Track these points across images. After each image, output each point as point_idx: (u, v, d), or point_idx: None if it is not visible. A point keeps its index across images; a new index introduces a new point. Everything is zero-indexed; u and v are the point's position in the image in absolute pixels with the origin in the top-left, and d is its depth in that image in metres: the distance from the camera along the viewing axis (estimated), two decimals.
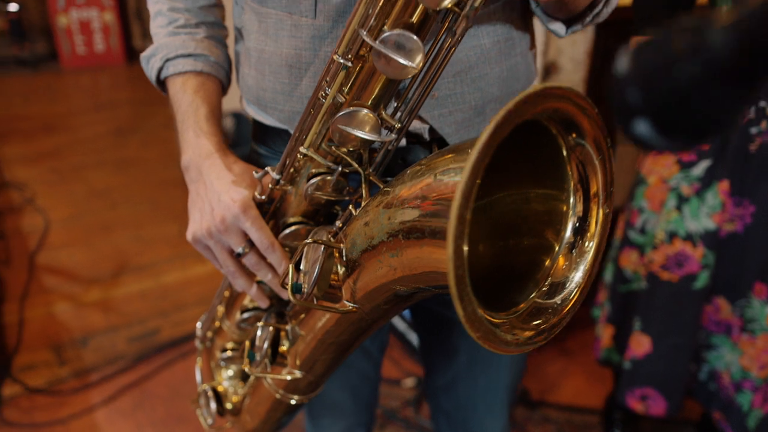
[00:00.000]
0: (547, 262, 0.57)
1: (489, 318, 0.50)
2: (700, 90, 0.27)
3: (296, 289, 0.61)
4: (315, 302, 0.63)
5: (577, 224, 0.56)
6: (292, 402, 0.79)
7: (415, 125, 0.73)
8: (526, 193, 0.59)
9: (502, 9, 0.73)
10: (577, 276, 0.55)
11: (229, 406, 0.89)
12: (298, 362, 0.73)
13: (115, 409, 1.88)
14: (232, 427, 0.93)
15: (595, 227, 0.55)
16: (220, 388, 0.90)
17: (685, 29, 0.28)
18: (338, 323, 0.66)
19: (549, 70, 2.05)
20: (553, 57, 2.02)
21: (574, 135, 0.52)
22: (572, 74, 2.00)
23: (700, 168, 1.28)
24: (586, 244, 0.55)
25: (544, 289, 0.56)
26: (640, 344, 1.40)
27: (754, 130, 1.21)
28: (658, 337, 1.37)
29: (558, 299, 0.55)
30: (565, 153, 0.54)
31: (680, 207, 1.31)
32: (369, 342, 0.95)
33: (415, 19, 0.55)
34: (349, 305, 0.61)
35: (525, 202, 0.59)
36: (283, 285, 0.67)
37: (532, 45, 0.82)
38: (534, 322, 0.54)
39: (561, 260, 0.56)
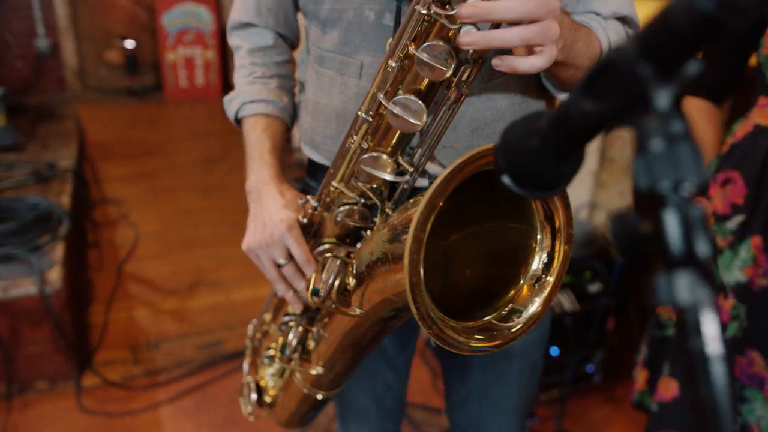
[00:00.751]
0: (512, 291, 0.67)
1: (444, 321, 0.61)
2: (536, 158, 0.40)
3: (315, 292, 0.74)
4: (332, 306, 0.76)
5: (546, 259, 0.66)
6: (318, 397, 0.91)
7: (436, 169, 0.85)
8: (502, 226, 0.70)
9: (517, 79, 0.85)
10: (534, 307, 0.65)
11: (267, 399, 1.03)
12: (321, 360, 0.85)
13: (178, 408, 2.06)
14: (267, 417, 1.06)
15: (557, 262, 0.65)
16: (261, 383, 1.04)
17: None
18: (354, 327, 0.78)
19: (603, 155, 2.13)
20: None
21: None
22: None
23: (734, 222, 1.32)
24: (548, 278, 0.66)
25: (503, 312, 0.66)
26: (668, 388, 1.42)
27: None
28: (684, 383, 1.40)
29: (510, 325, 0.65)
30: None
31: (714, 258, 1.35)
32: (395, 355, 1.07)
33: (422, 86, 0.68)
34: (358, 311, 0.74)
35: (501, 235, 0.70)
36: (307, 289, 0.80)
37: (550, 106, 0.93)
38: (479, 337, 0.64)
39: (525, 290, 0.66)
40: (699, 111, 1.44)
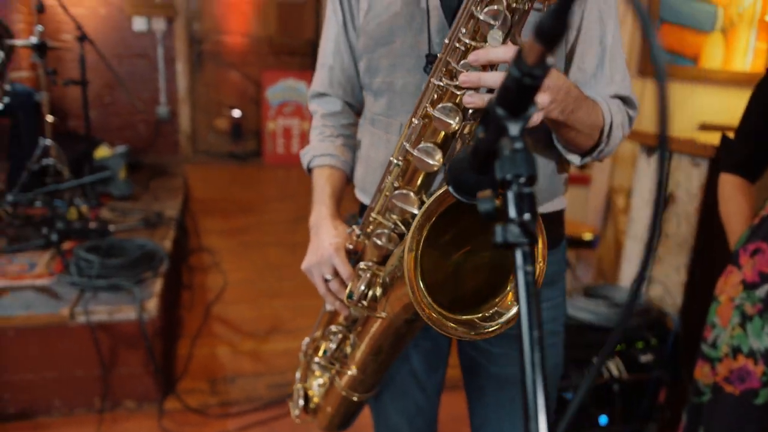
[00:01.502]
0: (498, 298, 0.83)
1: (433, 308, 0.77)
2: (465, 174, 0.59)
3: (350, 295, 0.93)
4: (362, 308, 0.94)
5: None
6: (354, 399, 1.08)
7: None
8: (479, 245, 0.87)
9: (530, 135, 1.02)
10: (512, 312, 0.81)
11: (312, 405, 1.20)
12: (355, 363, 1.02)
13: None
14: (311, 422, 1.23)
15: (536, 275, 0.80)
16: (309, 392, 1.21)
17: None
18: (381, 332, 0.95)
19: (667, 200, 2.21)
20: (672, 188, 2.18)
21: None
22: (687, 205, 2.15)
23: (763, 290, 1.38)
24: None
25: (486, 314, 0.81)
26: None
27: None
28: None
29: (490, 325, 0.80)
30: None
31: (744, 325, 1.41)
32: (425, 378, 1.22)
33: (439, 139, 0.87)
34: (383, 314, 0.91)
35: (493, 250, 0.86)
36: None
37: (561, 170, 1.10)
38: (462, 329, 0.80)
39: (509, 296, 0.82)
40: (733, 186, 1.54)
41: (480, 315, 0.81)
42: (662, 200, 0.49)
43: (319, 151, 1.19)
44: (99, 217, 3.34)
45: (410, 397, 1.23)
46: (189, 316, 3.01)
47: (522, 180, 0.50)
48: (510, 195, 0.49)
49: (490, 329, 0.80)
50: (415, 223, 0.79)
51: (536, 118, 0.85)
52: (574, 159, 1.04)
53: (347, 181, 1.22)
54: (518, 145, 0.51)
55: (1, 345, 2.19)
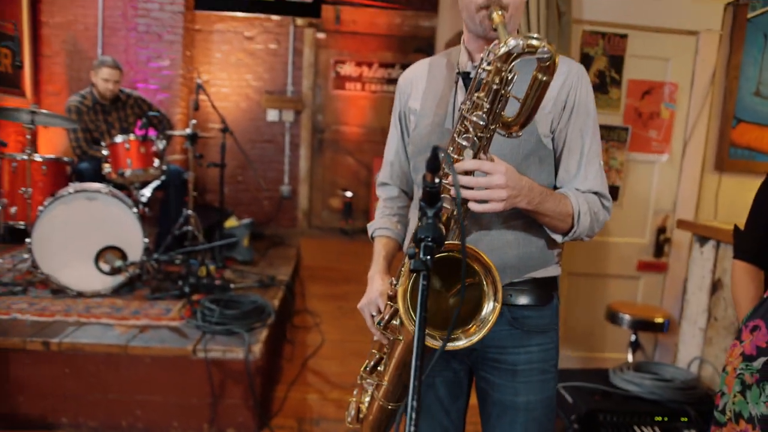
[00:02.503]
0: (473, 322, 1.16)
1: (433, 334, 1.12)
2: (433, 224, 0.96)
3: (379, 323, 1.30)
4: (386, 333, 1.30)
5: (493, 305, 1.15)
6: (388, 407, 1.42)
7: None
8: (470, 283, 1.21)
9: (523, 222, 1.37)
10: (479, 335, 1.14)
11: (361, 416, 1.55)
12: (386, 377, 1.38)
13: None
14: (359, 429, 1.57)
15: (494, 315, 1.14)
16: (361, 405, 1.57)
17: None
18: (402, 352, 1.31)
19: (716, 285, 2.37)
20: (719, 275, 2.34)
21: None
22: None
23: (759, 362, 1.57)
24: (491, 317, 1.14)
25: (465, 329, 1.15)
26: None
27: None
28: None
29: (464, 340, 1.14)
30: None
31: (744, 392, 1.59)
32: (449, 403, 1.53)
33: (444, 218, 1.25)
34: (400, 337, 1.27)
35: (470, 287, 1.20)
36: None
37: (552, 246, 1.42)
38: (458, 342, 1.13)
39: (474, 328, 1.15)
40: (742, 271, 1.75)
41: (462, 331, 1.16)
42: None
43: (379, 225, 1.60)
44: (223, 276, 3.95)
45: (437, 419, 1.55)
46: (288, 366, 3.46)
47: (429, 238, 0.87)
48: (421, 245, 0.87)
49: (459, 344, 1.14)
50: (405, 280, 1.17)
51: (494, 207, 1.20)
52: (557, 238, 1.38)
53: (399, 248, 1.62)
54: (429, 220, 0.88)
55: (139, 369, 2.74)
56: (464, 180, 1.18)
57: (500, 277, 1.38)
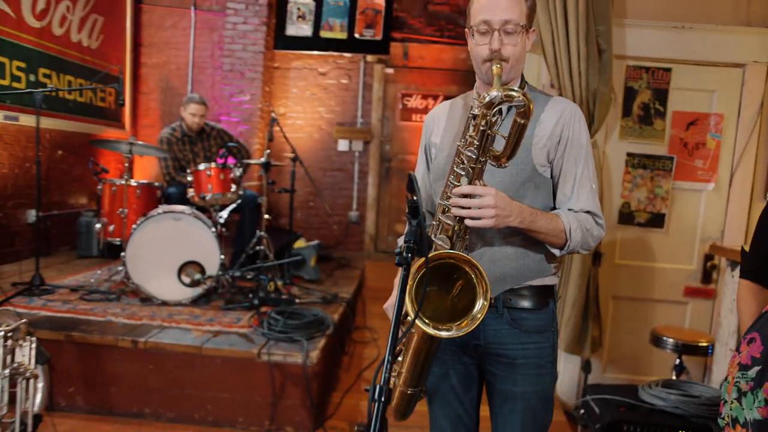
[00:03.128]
0: (465, 317, 1.40)
1: (429, 323, 1.37)
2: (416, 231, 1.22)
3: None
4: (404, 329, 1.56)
5: (482, 300, 1.39)
6: (408, 392, 1.66)
7: None
8: (464, 284, 1.44)
9: (521, 239, 1.60)
10: (472, 326, 1.37)
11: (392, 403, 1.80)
12: (405, 367, 1.63)
13: None
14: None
15: (482, 313, 1.37)
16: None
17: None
18: (416, 343, 1.56)
19: None
20: None
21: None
22: None
23: (753, 371, 1.70)
24: (480, 313, 1.38)
25: (458, 323, 1.39)
26: None
27: None
28: None
29: (455, 330, 1.37)
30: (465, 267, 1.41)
31: (740, 399, 1.72)
32: (462, 393, 1.76)
33: (450, 232, 1.50)
34: (412, 330, 1.53)
35: (463, 285, 1.44)
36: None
37: (550, 260, 1.64)
38: (445, 332, 1.37)
39: (465, 323, 1.39)
40: (746, 289, 1.89)
41: (456, 325, 1.40)
42: None
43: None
44: (290, 292, 4.30)
45: (452, 406, 1.77)
46: (345, 375, 3.74)
47: (411, 241, 1.13)
48: (404, 246, 1.13)
49: (450, 333, 1.38)
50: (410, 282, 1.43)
51: (486, 222, 1.45)
52: (555, 252, 1.61)
53: None
54: (412, 228, 1.15)
55: (211, 369, 3.10)
56: (461, 201, 1.44)
57: (500, 285, 1.62)
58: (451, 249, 1.48)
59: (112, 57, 6.30)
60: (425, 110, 6.86)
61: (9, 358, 2.62)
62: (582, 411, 2.65)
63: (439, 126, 1.81)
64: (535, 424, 1.67)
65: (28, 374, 2.67)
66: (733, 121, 3.46)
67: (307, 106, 6.88)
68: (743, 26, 3.40)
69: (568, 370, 3.53)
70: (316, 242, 5.26)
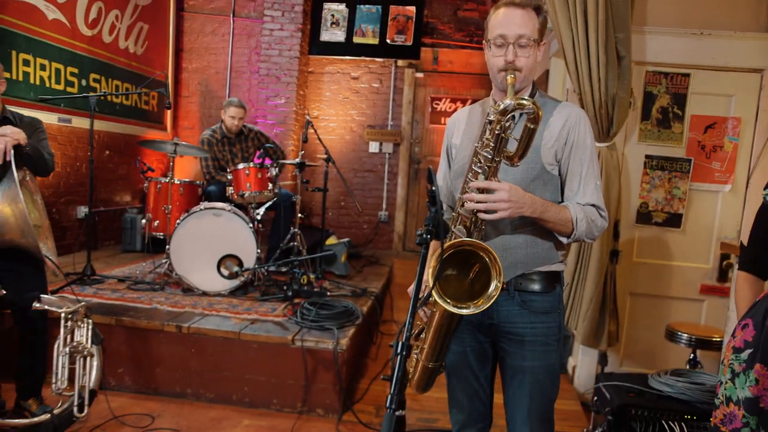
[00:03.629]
0: (482, 296, 1.59)
1: (450, 302, 1.57)
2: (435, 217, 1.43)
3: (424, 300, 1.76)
4: (425, 308, 1.76)
5: (496, 282, 1.57)
6: (429, 366, 1.86)
7: None
8: (481, 267, 1.63)
9: (531, 229, 1.79)
10: (484, 305, 1.56)
11: (409, 377, 1.99)
12: (427, 343, 1.82)
13: None
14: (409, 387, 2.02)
15: (496, 290, 1.56)
16: (410, 369, 2.01)
17: None
18: (437, 321, 1.75)
19: None
20: None
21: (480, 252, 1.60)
22: None
23: (746, 353, 1.84)
24: (493, 293, 1.57)
25: (475, 302, 1.58)
26: None
27: None
28: None
29: (473, 308, 1.57)
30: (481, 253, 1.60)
31: (733, 379, 1.87)
32: (478, 370, 1.95)
33: (468, 223, 1.70)
34: (434, 308, 1.72)
35: (479, 269, 1.63)
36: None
37: (558, 247, 1.82)
38: (464, 310, 1.57)
39: (480, 301, 1.58)
40: (743, 280, 2.04)
41: (473, 303, 1.59)
42: None
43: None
44: (321, 285, 4.53)
45: (468, 381, 1.96)
46: (373, 364, 3.95)
47: (430, 225, 1.34)
48: (424, 229, 1.34)
49: (470, 311, 1.58)
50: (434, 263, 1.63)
51: (500, 215, 1.64)
52: (563, 240, 1.79)
53: None
54: (431, 213, 1.35)
55: (248, 353, 3.34)
56: (477, 196, 1.63)
57: (512, 270, 1.81)
58: (468, 237, 1.68)
59: (156, 62, 6.64)
60: (454, 113, 7.04)
61: (69, 337, 2.90)
62: (595, 397, 2.80)
63: (459, 129, 2.00)
64: (542, 396, 1.85)
65: (85, 353, 2.95)
66: (750, 124, 3.57)
67: (339, 109, 7.12)
68: (761, 32, 3.50)
69: (585, 363, 3.68)
70: (346, 240, 5.49)
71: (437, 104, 7.06)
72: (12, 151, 2.56)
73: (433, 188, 1.39)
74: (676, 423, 2.44)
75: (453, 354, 1.97)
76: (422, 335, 1.88)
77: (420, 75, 7.05)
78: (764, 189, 1.96)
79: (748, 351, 1.86)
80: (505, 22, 1.76)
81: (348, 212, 7.10)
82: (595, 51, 3.25)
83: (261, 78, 6.77)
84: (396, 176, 7.10)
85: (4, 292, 2.85)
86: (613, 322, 3.56)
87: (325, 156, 4.94)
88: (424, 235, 1.40)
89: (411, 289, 1.95)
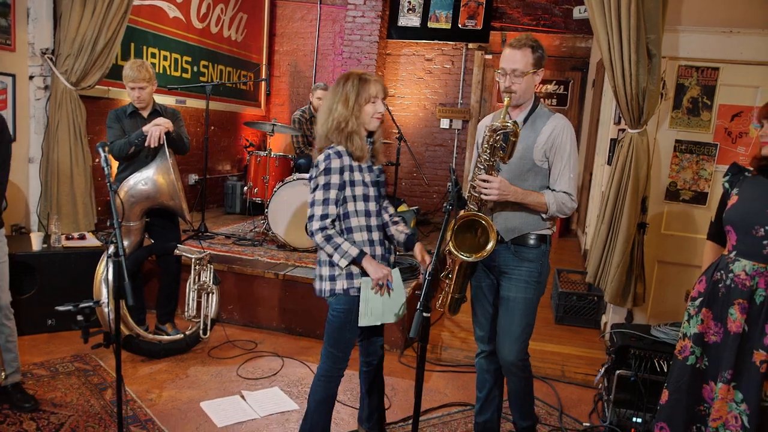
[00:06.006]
0: (483, 249, 2.30)
1: (463, 253, 2.29)
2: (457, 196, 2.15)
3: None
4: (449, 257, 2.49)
5: (492, 241, 2.27)
6: (456, 296, 2.58)
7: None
8: (483, 229, 2.33)
9: (522, 207, 2.46)
10: (484, 256, 2.27)
11: (441, 303, 2.72)
12: (453, 280, 2.55)
13: (445, 377, 3.79)
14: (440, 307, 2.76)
15: (492, 246, 2.26)
16: (443, 299, 2.74)
17: None
18: (461, 266, 2.47)
19: None
20: None
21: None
22: None
23: (698, 301, 2.44)
24: (488, 246, 2.27)
25: (479, 253, 2.29)
26: (663, 395, 2.52)
27: (720, 284, 2.36)
28: (670, 391, 2.48)
29: (476, 257, 2.28)
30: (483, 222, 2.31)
31: (689, 320, 2.47)
32: (490, 297, 2.65)
33: (477, 201, 2.40)
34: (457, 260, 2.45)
35: (483, 232, 2.33)
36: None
37: (546, 219, 2.49)
38: (473, 258, 2.28)
39: (486, 251, 2.28)
40: (710, 247, 2.61)
41: (476, 253, 2.30)
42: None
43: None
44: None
45: (484, 306, 2.68)
46: (432, 314, 4.69)
47: (451, 201, 2.05)
48: (446, 204, 2.06)
49: (474, 258, 2.28)
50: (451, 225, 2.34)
51: (491, 198, 2.33)
52: (542, 215, 2.47)
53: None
54: (452, 194, 2.06)
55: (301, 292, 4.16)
56: (481, 184, 2.33)
57: (511, 233, 2.51)
58: (477, 211, 2.39)
59: (253, 47, 7.53)
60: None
61: (197, 277, 3.83)
62: (607, 340, 3.43)
63: (481, 132, 2.68)
64: (521, 320, 2.55)
65: (209, 290, 3.87)
66: None
67: (414, 89, 7.79)
68: None
69: (614, 320, 4.27)
70: (415, 207, 6.23)
71: None
72: (164, 136, 3.46)
73: (454, 176, 2.11)
74: (664, 361, 3.05)
75: (474, 288, 2.72)
76: (450, 275, 2.60)
77: (489, 57, 7.59)
78: (724, 177, 2.52)
79: (700, 299, 2.46)
80: (505, 58, 2.48)
81: (419, 183, 7.82)
82: (627, 51, 3.77)
83: (344, 60, 7.53)
84: (464, 150, 7.73)
85: (153, 241, 3.80)
86: (640, 285, 4.12)
87: (397, 135, 5.66)
88: (447, 206, 2.12)
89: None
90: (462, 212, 2.38)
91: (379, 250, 2.53)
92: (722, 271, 2.39)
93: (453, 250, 2.35)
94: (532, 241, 2.53)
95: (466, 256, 2.35)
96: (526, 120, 2.53)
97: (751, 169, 2.42)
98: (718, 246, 2.61)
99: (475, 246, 2.39)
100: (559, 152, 2.47)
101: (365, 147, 2.47)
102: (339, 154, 2.40)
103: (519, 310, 2.55)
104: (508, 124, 2.28)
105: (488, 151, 2.36)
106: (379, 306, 2.47)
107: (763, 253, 2.24)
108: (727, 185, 2.49)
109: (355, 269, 2.43)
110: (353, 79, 2.44)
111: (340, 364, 2.55)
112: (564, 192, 2.48)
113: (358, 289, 2.44)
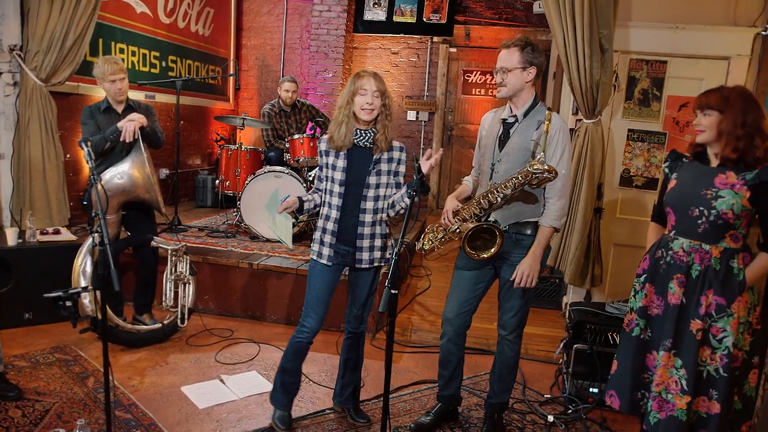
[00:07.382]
0: (488, 250, 2.50)
1: (471, 250, 2.50)
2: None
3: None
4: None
5: (494, 248, 2.47)
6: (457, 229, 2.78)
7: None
8: (490, 235, 2.54)
9: (521, 202, 2.67)
10: (490, 256, 2.47)
11: (425, 247, 2.92)
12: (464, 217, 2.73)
13: (414, 358, 3.99)
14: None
15: (496, 249, 2.46)
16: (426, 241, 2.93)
17: None
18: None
19: None
20: None
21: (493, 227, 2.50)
22: None
23: (642, 278, 2.66)
24: (492, 249, 2.47)
25: (483, 256, 2.49)
26: (613, 365, 2.74)
27: (661, 261, 2.59)
28: (619, 362, 2.71)
29: (477, 256, 2.48)
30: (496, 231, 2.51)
31: (635, 296, 2.69)
32: (481, 276, 2.86)
33: (481, 211, 2.59)
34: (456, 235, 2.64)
35: (489, 236, 2.53)
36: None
37: (538, 208, 2.71)
38: (475, 255, 2.48)
39: (488, 253, 2.49)
40: (653, 228, 2.84)
41: (485, 252, 2.50)
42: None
43: (466, 179, 2.97)
44: None
45: (462, 290, 2.89)
46: (402, 299, 4.89)
47: (414, 185, 2.25)
48: (411, 190, 2.25)
49: (481, 257, 2.48)
50: (470, 229, 2.54)
51: (525, 283, 2.57)
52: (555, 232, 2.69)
53: (469, 192, 2.95)
54: (416, 182, 2.27)
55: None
56: (520, 274, 2.66)
57: (510, 219, 2.71)
58: (486, 219, 2.67)
59: (221, 41, 7.59)
60: (484, 85, 7.78)
61: (174, 268, 3.94)
62: (566, 318, 3.67)
63: (485, 126, 2.90)
64: (519, 299, 2.77)
65: (185, 280, 3.99)
66: None
67: None
68: (730, 26, 4.16)
69: (574, 299, 4.52)
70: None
71: (469, 76, 7.79)
72: (138, 131, 3.55)
73: (417, 164, 2.29)
74: (617, 335, 3.29)
75: (457, 272, 2.97)
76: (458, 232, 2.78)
77: (453, 50, 7.78)
78: (664, 163, 2.75)
79: (644, 276, 2.69)
80: (499, 57, 2.70)
81: None
82: (581, 46, 3.99)
83: (311, 54, 7.64)
84: (431, 142, 7.92)
85: (129, 233, 3.90)
86: (597, 266, 4.37)
87: None
88: (411, 192, 2.32)
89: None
90: (474, 224, 2.67)
91: (330, 226, 2.86)
92: (663, 249, 2.61)
93: (467, 247, 2.66)
94: (529, 231, 2.75)
95: (477, 254, 2.67)
96: (526, 114, 2.74)
97: (688, 155, 2.65)
98: (660, 226, 2.84)
99: (482, 246, 2.69)
100: (555, 144, 2.67)
101: (347, 137, 2.73)
102: (322, 141, 2.85)
103: (518, 290, 2.77)
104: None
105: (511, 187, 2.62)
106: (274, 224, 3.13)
107: (698, 231, 2.46)
108: (667, 170, 2.72)
109: (316, 247, 2.93)
110: (353, 76, 2.75)
111: (303, 320, 2.97)
112: (551, 202, 2.70)
113: (318, 256, 2.96)
